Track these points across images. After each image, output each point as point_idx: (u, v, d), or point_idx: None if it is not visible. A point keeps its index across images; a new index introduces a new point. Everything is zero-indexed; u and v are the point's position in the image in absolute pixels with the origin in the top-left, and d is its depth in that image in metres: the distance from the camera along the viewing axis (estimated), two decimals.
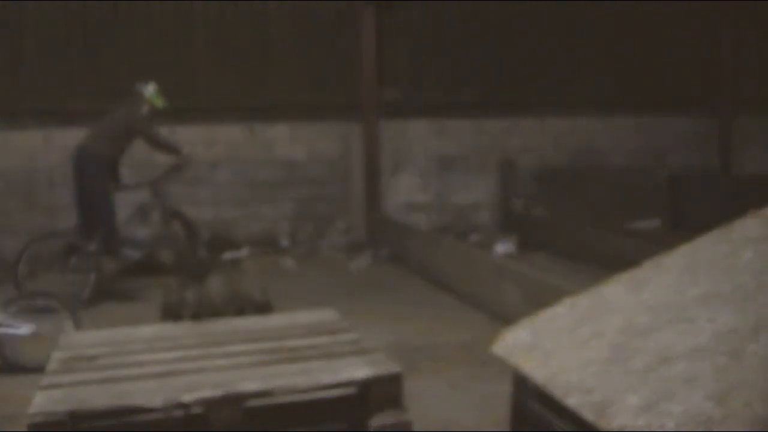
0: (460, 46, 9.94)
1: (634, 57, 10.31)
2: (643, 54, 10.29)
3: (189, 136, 9.26)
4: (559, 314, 2.79)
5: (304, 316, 3.87)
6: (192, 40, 9.26)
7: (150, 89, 7.39)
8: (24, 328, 5.02)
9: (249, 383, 2.78)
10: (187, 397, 2.66)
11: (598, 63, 10.26)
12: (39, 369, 3.23)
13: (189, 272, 7.18)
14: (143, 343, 3.41)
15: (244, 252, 9.17)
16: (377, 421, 2.85)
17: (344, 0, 9.54)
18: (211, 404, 2.68)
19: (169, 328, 3.86)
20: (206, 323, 3.91)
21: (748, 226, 2.88)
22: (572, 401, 2.21)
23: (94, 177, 7.15)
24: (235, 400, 2.71)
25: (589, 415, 2.11)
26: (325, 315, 3.86)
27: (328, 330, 3.56)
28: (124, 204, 9.14)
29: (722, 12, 10.36)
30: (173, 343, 3.38)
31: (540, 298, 4.96)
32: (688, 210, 9.67)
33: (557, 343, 2.58)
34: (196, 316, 5.96)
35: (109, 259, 7.42)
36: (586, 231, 8.75)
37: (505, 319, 5.29)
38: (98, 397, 2.69)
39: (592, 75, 10.25)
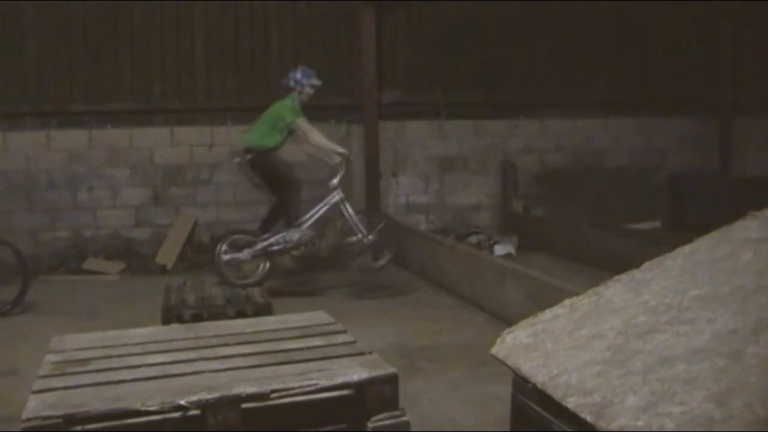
0: (460, 47, 9.93)
1: (634, 58, 10.30)
2: (643, 55, 10.28)
3: (189, 137, 9.27)
4: (559, 315, 2.79)
5: (297, 319, 3.86)
6: (192, 41, 9.25)
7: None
8: None
9: (245, 386, 2.77)
10: (183, 400, 2.65)
11: (598, 64, 10.25)
12: None
13: None
14: (136, 345, 3.39)
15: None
16: (375, 422, 2.84)
17: (344, 0, 9.53)
18: (207, 407, 2.67)
19: (161, 331, 3.85)
20: (198, 326, 3.90)
21: (748, 227, 2.88)
22: (572, 402, 2.20)
23: None
24: (231, 402, 2.70)
25: (588, 415, 2.10)
26: (318, 317, 3.85)
27: (322, 332, 3.56)
28: (124, 204, 9.19)
29: (722, 12, 10.34)
30: (166, 346, 3.37)
31: (540, 299, 4.96)
32: (688, 211, 9.66)
33: (557, 344, 2.57)
34: (197, 317, 5.99)
35: None
36: (586, 232, 8.75)
37: (506, 319, 5.29)
38: (93, 401, 2.67)
39: (592, 76, 10.24)
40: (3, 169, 8.80)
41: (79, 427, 2.56)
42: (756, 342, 2.10)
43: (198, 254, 9.01)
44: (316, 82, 7.53)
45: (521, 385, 2.56)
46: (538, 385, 2.40)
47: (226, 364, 3.08)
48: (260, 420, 2.76)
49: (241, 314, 5.94)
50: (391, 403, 2.90)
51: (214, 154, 9.36)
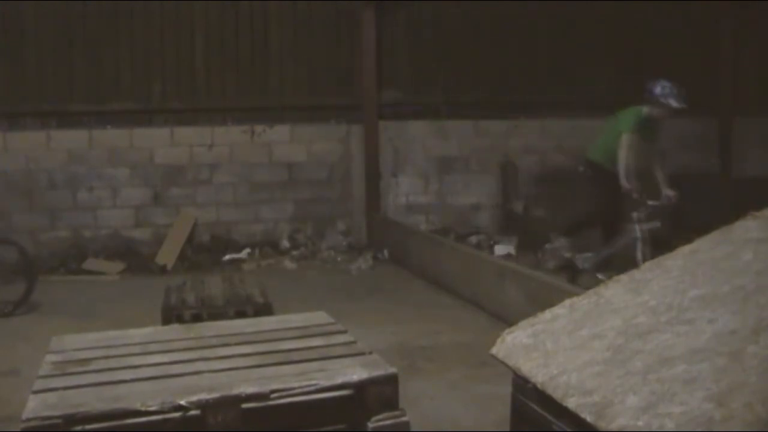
0: (460, 47, 9.92)
1: (634, 58, 10.29)
2: (643, 55, 10.27)
3: (189, 138, 9.27)
4: (559, 315, 2.78)
5: (297, 319, 3.86)
6: (192, 41, 9.25)
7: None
8: None
9: (245, 386, 2.77)
10: (183, 400, 2.65)
11: (598, 64, 10.24)
12: None
13: None
14: (136, 345, 3.39)
15: (244, 253, 9.17)
16: (375, 422, 2.84)
17: (344, 0, 9.53)
18: (207, 407, 2.67)
19: (161, 331, 3.85)
20: (198, 326, 3.90)
21: (748, 227, 2.88)
22: (572, 402, 2.20)
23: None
24: (231, 402, 2.70)
25: (588, 416, 2.10)
26: (318, 317, 3.85)
27: (322, 332, 3.56)
28: (124, 204, 9.19)
29: (722, 12, 10.34)
30: (166, 346, 3.37)
31: (540, 299, 4.96)
32: (688, 211, 9.65)
33: (557, 344, 2.57)
34: (197, 317, 5.98)
35: None
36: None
37: (506, 319, 5.29)
38: (93, 401, 2.67)
39: (592, 76, 10.23)
40: (3, 169, 8.80)
41: (79, 427, 2.56)
42: (756, 342, 2.10)
43: (198, 254, 9.01)
44: (674, 104, 6.92)
45: (521, 385, 2.56)
46: (538, 386, 2.40)
47: (226, 364, 3.08)
48: (260, 420, 2.77)
49: (241, 314, 5.93)
50: (391, 403, 2.90)
51: (214, 154, 9.36)
